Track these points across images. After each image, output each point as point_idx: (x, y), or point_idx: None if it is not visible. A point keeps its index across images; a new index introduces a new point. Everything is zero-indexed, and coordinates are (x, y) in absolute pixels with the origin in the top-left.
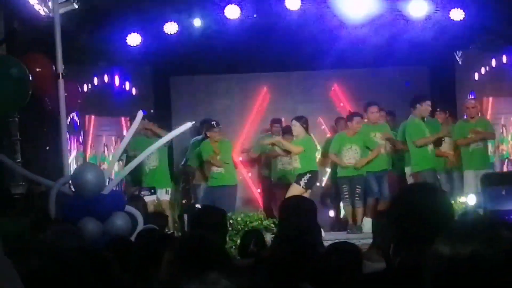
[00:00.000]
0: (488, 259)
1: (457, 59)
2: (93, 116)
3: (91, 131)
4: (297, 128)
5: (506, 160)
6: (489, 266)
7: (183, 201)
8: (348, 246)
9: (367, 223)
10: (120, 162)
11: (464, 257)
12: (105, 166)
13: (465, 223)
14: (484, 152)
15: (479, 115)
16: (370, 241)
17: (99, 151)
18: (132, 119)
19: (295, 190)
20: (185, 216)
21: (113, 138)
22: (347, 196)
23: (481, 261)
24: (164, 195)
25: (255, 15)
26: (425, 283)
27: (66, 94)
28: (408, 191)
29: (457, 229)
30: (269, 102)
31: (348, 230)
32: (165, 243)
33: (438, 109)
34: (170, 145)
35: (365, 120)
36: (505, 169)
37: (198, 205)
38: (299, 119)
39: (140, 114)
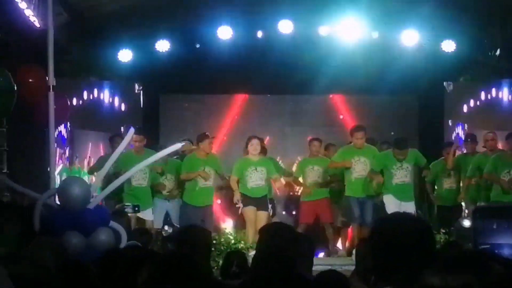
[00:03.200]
0: None
1: (447, 89)
2: (85, 131)
3: (81, 145)
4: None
5: None
6: None
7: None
8: (336, 275)
9: None
10: (92, 177)
11: None
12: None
13: (455, 255)
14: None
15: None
16: (353, 267)
17: (83, 164)
18: (114, 136)
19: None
20: (164, 234)
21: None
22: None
23: None
24: (150, 215)
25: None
26: None
27: (66, 106)
28: (389, 220)
29: (448, 260)
30: (257, 123)
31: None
32: (148, 260)
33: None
34: None
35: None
36: None
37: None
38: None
39: (131, 130)
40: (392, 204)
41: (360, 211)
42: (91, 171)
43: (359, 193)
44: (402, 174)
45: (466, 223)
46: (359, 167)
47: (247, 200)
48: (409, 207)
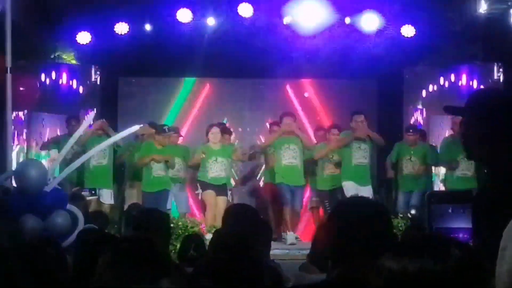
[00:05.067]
0: (436, 275)
1: (406, 75)
2: (43, 113)
3: (39, 128)
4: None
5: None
6: (437, 283)
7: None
8: None
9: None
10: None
11: (412, 272)
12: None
13: (413, 238)
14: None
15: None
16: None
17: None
18: (70, 118)
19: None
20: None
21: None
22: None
23: (429, 278)
24: (108, 199)
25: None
26: None
27: (23, 88)
28: (347, 205)
29: (406, 244)
30: (215, 107)
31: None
32: (106, 243)
33: (411, 130)
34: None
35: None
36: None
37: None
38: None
39: (92, 113)
40: (351, 189)
41: (291, 197)
42: (44, 147)
43: (289, 180)
44: (360, 155)
45: (412, 211)
46: (288, 154)
47: (206, 185)
48: (366, 192)
